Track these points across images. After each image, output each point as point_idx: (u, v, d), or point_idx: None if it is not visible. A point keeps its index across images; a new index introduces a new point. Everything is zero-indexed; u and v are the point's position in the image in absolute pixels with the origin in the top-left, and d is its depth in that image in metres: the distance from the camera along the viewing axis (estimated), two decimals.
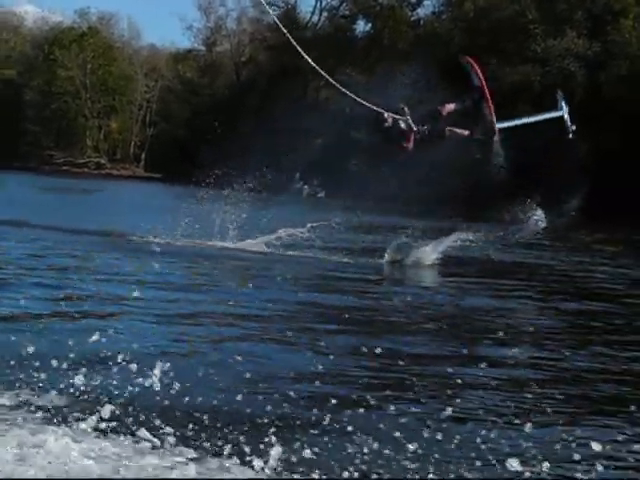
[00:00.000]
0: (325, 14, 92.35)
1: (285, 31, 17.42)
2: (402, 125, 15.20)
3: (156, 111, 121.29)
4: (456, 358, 10.21)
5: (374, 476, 6.11)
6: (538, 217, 21.28)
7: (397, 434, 6.66)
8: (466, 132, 15.59)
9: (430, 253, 20.49)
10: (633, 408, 7.96)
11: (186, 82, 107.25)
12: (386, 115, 15.60)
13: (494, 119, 15.31)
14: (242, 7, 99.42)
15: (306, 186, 72.27)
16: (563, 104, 15.70)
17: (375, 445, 6.47)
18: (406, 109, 15.52)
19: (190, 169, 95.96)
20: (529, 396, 8.32)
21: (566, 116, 15.54)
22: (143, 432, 6.50)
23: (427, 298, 15.78)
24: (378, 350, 9.13)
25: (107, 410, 6.58)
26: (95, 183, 74.08)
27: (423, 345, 11.12)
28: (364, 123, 68.95)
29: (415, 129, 15.17)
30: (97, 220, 28.66)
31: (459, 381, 8.70)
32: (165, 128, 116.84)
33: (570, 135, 16.03)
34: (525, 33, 63.81)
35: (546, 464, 6.19)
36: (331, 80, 15.87)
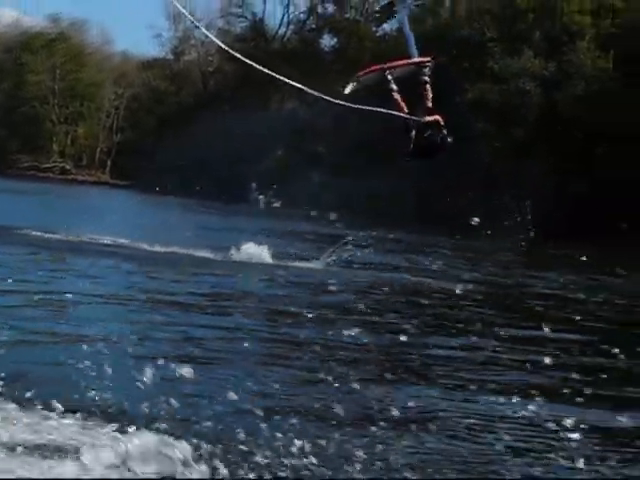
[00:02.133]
0: (292, 27, 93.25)
1: (220, 43, 16.80)
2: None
3: (124, 118, 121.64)
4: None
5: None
6: None
7: None
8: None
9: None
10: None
11: (153, 90, 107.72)
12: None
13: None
14: (210, 17, 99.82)
15: (262, 196, 73.07)
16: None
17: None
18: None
19: (155, 176, 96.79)
20: None
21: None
22: None
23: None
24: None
25: None
26: (53, 188, 74.28)
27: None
28: (324, 135, 69.43)
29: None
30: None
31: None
32: (132, 135, 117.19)
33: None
34: (484, 51, 64.81)
35: None
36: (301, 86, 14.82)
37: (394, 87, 11.55)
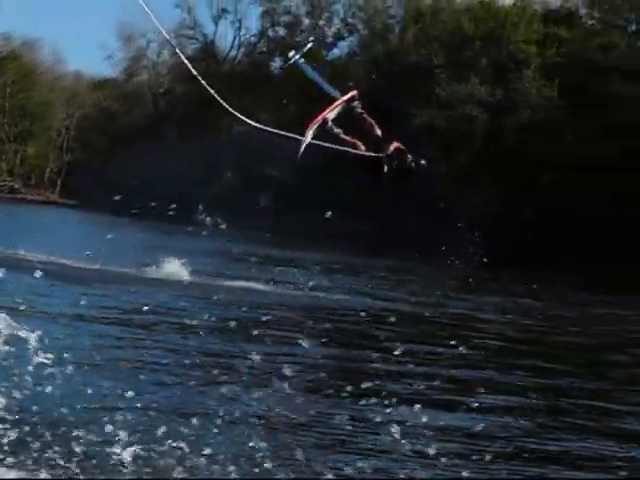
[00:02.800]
0: (243, 50, 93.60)
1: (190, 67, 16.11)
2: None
3: (74, 138, 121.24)
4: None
5: None
6: None
7: None
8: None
9: None
10: None
11: (104, 110, 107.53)
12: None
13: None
14: (162, 38, 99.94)
15: (208, 218, 73.18)
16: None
17: None
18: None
19: (103, 196, 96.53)
20: None
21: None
22: None
23: None
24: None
25: None
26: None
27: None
28: (275, 158, 69.49)
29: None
30: None
31: None
32: (82, 155, 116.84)
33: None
34: (431, 77, 65.52)
35: None
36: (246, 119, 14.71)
37: (338, 130, 11.68)
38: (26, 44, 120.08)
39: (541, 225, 58.94)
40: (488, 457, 7.89)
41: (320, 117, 11.64)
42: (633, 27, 70.26)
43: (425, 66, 67.13)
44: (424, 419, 8.68)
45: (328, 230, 65.82)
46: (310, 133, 11.30)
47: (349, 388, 9.74)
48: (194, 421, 8.11)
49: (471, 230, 58.58)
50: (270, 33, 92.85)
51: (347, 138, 11.91)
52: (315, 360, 11.97)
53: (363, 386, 10.25)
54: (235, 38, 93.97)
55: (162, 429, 7.55)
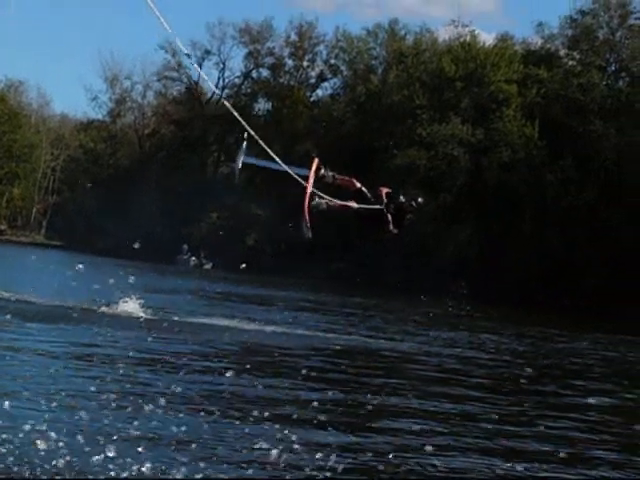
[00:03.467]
0: (227, 91, 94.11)
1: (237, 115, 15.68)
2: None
3: (60, 179, 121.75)
4: None
5: None
6: None
7: None
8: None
9: None
10: None
11: (89, 152, 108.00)
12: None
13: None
14: (147, 80, 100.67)
15: (193, 257, 73.72)
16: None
17: None
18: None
19: (89, 237, 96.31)
20: None
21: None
22: None
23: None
24: None
25: None
26: None
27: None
28: (261, 198, 69.56)
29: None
30: None
31: None
32: (68, 196, 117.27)
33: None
34: (413, 118, 66.16)
35: None
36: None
37: (330, 174, 11.99)
38: (11, 86, 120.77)
39: (522, 261, 59.52)
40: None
41: (308, 200, 11.90)
42: (613, 67, 71.20)
43: (407, 107, 67.77)
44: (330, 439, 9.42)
45: (313, 270, 66.30)
46: (308, 218, 11.69)
47: (266, 414, 10.22)
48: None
49: (453, 267, 59.21)
50: (254, 74, 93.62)
51: (343, 178, 12.37)
52: (226, 387, 12.52)
53: (277, 412, 10.85)
54: (219, 79, 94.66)
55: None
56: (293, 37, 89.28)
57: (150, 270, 28.93)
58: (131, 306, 22.96)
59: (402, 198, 12.73)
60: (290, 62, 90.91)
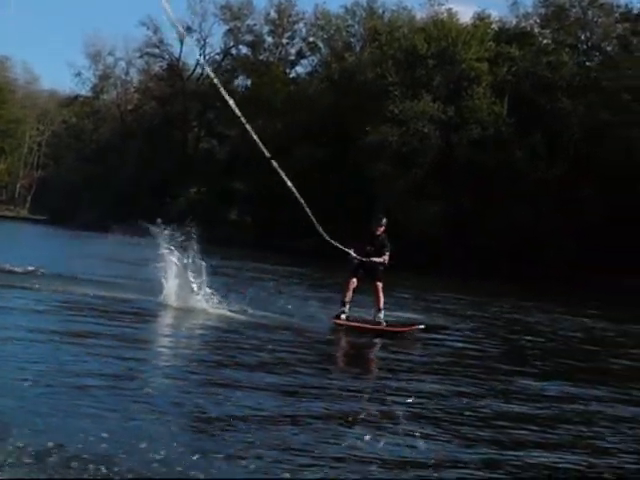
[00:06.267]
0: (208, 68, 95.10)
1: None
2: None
3: (45, 154, 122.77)
4: None
5: None
6: None
7: None
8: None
9: None
10: None
11: (70, 127, 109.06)
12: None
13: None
14: (130, 57, 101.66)
15: (166, 231, 74.60)
16: None
17: None
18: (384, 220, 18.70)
19: (73, 211, 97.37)
20: None
21: None
22: None
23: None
24: None
25: None
26: None
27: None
28: (241, 173, 70.88)
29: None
30: None
31: None
32: (52, 171, 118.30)
33: None
34: (385, 95, 67.12)
35: None
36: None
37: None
38: None
39: (490, 235, 60.65)
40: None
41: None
42: (584, 46, 72.23)
43: (380, 84, 68.72)
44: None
45: (293, 245, 67.33)
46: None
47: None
48: None
49: (422, 242, 60.37)
50: (234, 51, 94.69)
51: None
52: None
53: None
54: (200, 56, 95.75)
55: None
56: (273, 14, 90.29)
57: (120, 243, 29.70)
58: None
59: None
60: (269, 39, 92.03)
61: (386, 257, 18.44)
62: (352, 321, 18.52)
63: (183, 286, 19.58)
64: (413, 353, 16.65)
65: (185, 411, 9.66)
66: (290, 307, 20.99)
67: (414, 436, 9.28)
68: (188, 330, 17.44)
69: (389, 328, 18.24)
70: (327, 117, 73.43)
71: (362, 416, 10.19)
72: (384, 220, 18.64)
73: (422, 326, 18.38)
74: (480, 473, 8.34)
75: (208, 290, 19.62)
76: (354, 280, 18.58)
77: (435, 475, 8.09)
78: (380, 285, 18.46)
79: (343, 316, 18.49)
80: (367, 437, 9.09)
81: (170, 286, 19.65)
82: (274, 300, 22.26)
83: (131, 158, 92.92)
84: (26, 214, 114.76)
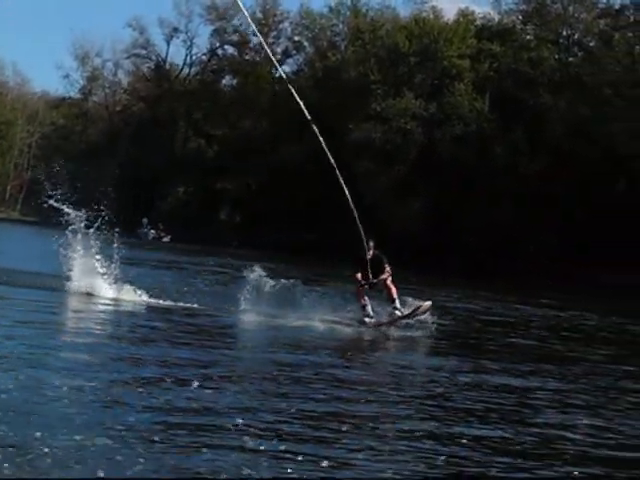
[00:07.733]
0: (195, 68, 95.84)
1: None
2: None
3: (35, 156, 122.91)
4: None
5: None
6: None
7: None
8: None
9: None
10: None
11: (59, 129, 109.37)
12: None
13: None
14: (118, 58, 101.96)
15: (152, 230, 75.45)
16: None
17: None
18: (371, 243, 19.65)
19: (63, 213, 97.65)
20: None
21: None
22: None
23: None
24: None
25: None
26: None
27: None
28: (228, 174, 71.00)
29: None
30: None
31: None
32: (42, 173, 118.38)
33: None
34: (368, 93, 67.67)
35: None
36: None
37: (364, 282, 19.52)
38: None
39: (473, 231, 61.10)
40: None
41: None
42: (566, 42, 72.72)
43: (363, 82, 69.27)
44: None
45: (278, 241, 67.90)
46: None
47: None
48: None
49: (405, 239, 60.78)
50: (220, 51, 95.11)
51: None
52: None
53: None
54: (187, 56, 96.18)
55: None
56: (258, 14, 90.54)
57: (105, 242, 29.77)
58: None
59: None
60: (255, 39, 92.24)
61: (388, 268, 19.48)
62: (377, 322, 19.46)
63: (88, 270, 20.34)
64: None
65: None
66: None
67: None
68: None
69: (408, 312, 19.33)
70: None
71: None
72: (372, 243, 19.69)
73: (429, 302, 19.64)
74: None
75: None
76: (362, 288, 19.75)
77: None
78: (389, 280, 19.57)
79: (367, 319, 19.44)
80: None
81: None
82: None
83: (119, 158, 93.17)
84: (17, 216, 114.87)
